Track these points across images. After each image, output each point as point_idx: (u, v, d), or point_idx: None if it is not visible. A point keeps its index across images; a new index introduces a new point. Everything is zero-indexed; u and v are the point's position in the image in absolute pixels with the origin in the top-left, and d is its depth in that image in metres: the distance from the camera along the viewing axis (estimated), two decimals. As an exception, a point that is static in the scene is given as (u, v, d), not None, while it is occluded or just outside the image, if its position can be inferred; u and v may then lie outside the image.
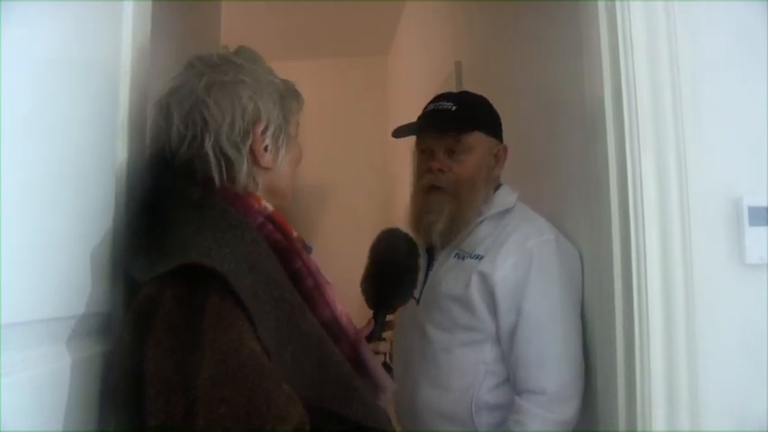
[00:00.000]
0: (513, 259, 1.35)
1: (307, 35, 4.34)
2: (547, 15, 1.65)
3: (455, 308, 1.38)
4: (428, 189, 1.44)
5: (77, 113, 0.83)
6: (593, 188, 1.28)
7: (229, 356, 0.74)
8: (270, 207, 0.94)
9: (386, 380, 0.99)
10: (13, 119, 0.67)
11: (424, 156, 1.47)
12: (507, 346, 1.34)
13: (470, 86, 2.11)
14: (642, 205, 1.13)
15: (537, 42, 1.76)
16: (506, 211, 1.44)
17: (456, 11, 2.80)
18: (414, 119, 1.49)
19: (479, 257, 1.38)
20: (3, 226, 0.65)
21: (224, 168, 0.90)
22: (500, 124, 1.49)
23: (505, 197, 1.46)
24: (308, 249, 0.97)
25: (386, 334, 1.15)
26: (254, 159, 0.93)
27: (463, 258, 1.41)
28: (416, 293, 1.37)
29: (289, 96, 0.99)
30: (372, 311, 1.14)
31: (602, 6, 1.21)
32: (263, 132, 0.93)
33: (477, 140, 1.43)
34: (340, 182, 4.75)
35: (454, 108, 1.43)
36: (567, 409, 1.30)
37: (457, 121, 1.42)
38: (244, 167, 0.91)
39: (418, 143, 1.49)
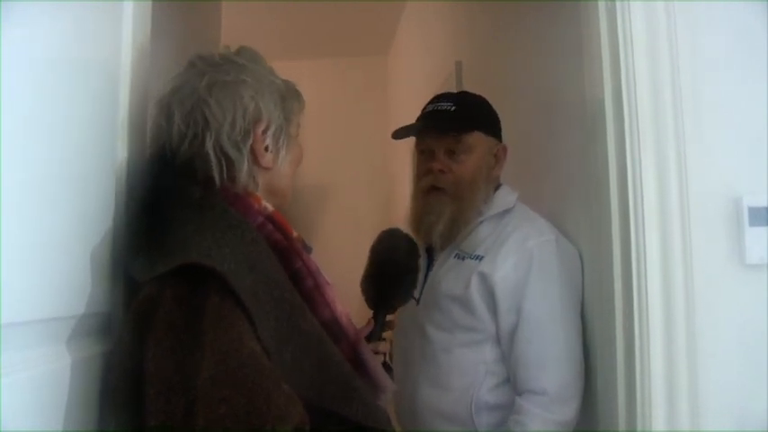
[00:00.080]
0: (513, 259, 1.35)
1: (307, 35, 4.34)
2: (547, 15, 1.65)
3: (455, 308, 1.38)
4: (428, 190, 1.43)
5: (77, 113, 0.82)
6: (593, 188, 1.28)
7: (229, 356, 0.74)
8: (270, 207, 0.94)
9: (386, 380, 0.99)
10: (13, 119, 0.67)
11: (423, 156, 1.47)
12: (507, 347, 1.34)
13: (470, 86, 2.11)
14: (642, 205, 1.13)
15: (537, 42, 1.76)
16: (506, 212, 1.44)
17: (456, 11, 2.80)
18: (414, 119, 1.49)
19: (479, 258, 1.38)
20: (3, 226, 0.65)
21: (224, 168, 0.90)
22: (499, 124, 1.49)
23: (505, 197, 1.46)
24: (308, 249, 0.97)
25: (386, 334, 1.15)
26: (255, 159, 0.93)
27: (463, 259, 1.41)
28: (416, 294, 1.37)
29: (290, 97, 0.99)
30: (372, 311, 1.14)
31: (602, 6, 1.21)
32: (264, 132, 0.93)
33: (477, 140, 1.43)
34: (340, 182, 4.75)
35: (453, 108, 1.43)
36: (568, 410, 1.29)
37: (456, 122, 1.42)
38: (244, 167, 0.91)
39: (418, 144, 1.49)
